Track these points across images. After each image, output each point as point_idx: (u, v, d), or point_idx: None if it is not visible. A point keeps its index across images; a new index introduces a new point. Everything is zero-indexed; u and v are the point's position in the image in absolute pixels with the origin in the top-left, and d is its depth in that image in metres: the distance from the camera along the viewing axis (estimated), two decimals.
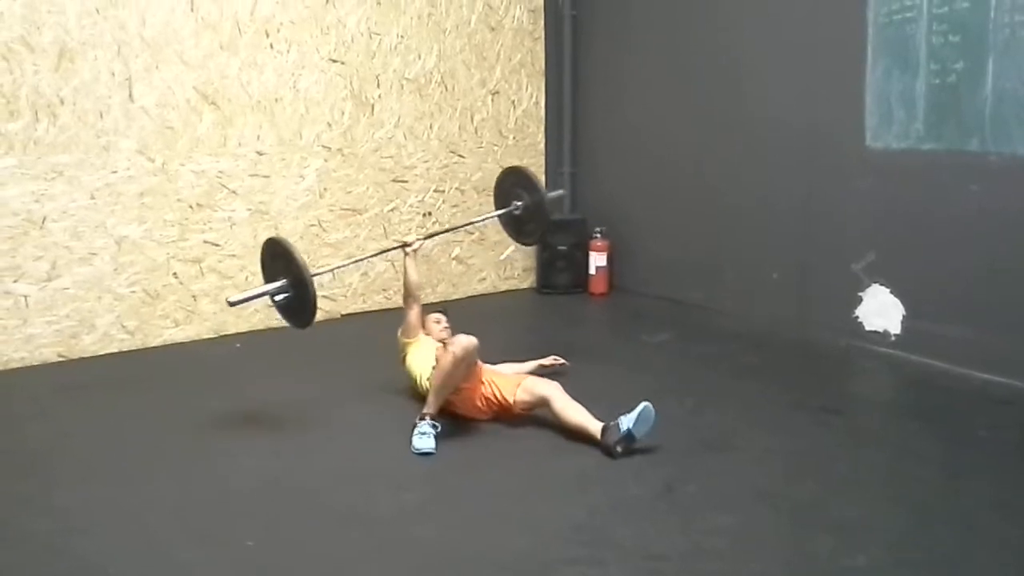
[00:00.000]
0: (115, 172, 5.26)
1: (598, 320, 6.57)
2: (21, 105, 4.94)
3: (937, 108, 4.77)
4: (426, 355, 4.35)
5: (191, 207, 5.53)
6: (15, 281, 5.03)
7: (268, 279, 4.20)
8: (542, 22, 6.96)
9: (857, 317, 5.25)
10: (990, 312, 4.63)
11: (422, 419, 3.92)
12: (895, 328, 5.07)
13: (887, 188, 5.07)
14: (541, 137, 7.11)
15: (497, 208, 5.07)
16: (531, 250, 7.05)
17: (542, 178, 7.14)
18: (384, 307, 6.36)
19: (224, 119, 5.59)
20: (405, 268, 4.55)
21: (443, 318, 4.72)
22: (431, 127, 6.45)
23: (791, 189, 5.62)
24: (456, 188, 6.64)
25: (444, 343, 4.18)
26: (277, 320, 5.85)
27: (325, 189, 5.99)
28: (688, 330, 5.79)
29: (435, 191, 6.54)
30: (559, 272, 6.91)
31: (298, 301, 4.09)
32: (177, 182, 5.47)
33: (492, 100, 6.74)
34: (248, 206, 5.74)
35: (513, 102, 6.87)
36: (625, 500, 3.39)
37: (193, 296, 5.61)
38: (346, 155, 6.09)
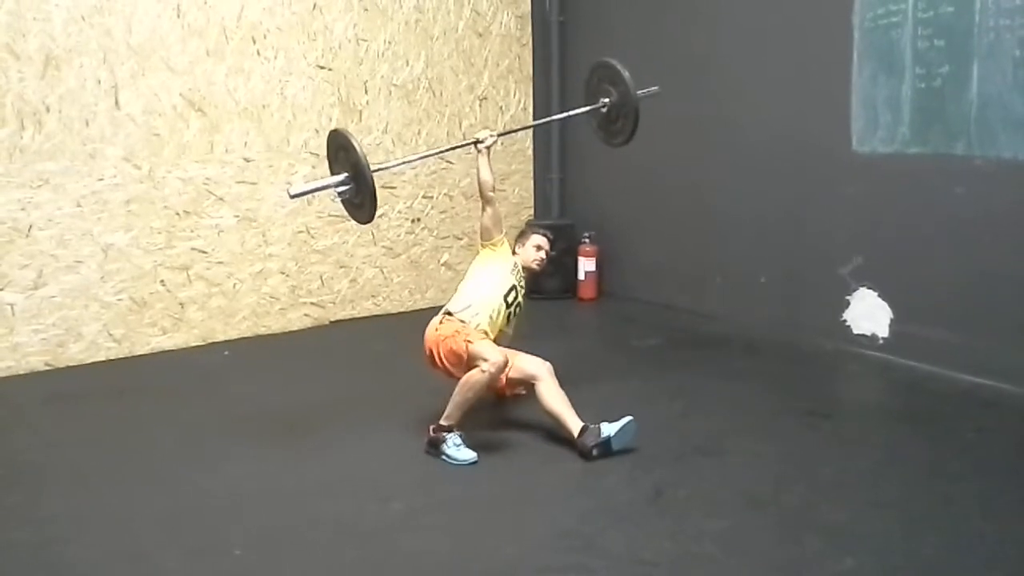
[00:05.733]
0: (101, 180, 5.24)
1: (587, 325, 6.57)
2: (6, 113, 4.92)
3: (923, 112, 4.79)
4: (492, 276, 4.23)
5: (178, 214, 5.51)
6: (1, 290, 5.00)
7: (334, 173, 4.08)
8: (529, 28, 6.97)
9: (845, 321, 5.27)
10: (977, 315, 4.65)
11: (447, 431, 3.82)
12: (883, 331, 5.09)
13: (874, 192, 5.09)
14: (529, 143, 7.12)
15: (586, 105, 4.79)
16: None
17: (531, 184, 7.18)
18: (373, 313, 6.35)
19: (211, 126, 5.58)
20: (477, 166, 4.36)
21: (545, 244, 4.46)
22: (419, 133, 6.44)
23: (778, 193, 5.64)
24: (445, 194, 6.64)
25: (476, 360, 3.86)
26: (265, 328, 5.89)
27: (313, 196, 5.96)
28: (677, 335, 5.80)
29: (424, 197, 6.53)
30: (548, 277, 6.85)
31: (358, 195, 3.96)
32: (164, 189, 5.45)
33: (480, 106, 6.74)
34: (235, 213, 5.72)
35: (501, 108, 6.87)
36: (614, 506, 3.39)
37: (180, 304, 5.58)
38: None
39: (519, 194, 7.12)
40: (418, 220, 6.54)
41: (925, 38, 4.72)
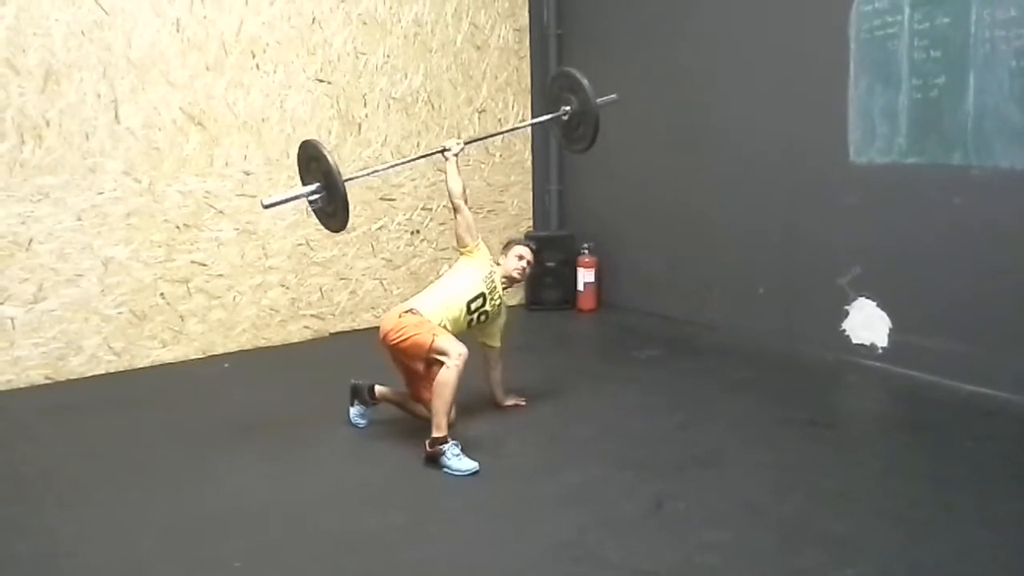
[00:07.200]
0: (101, 193, 5.25)
1: (587, 336, 6.57)
2: (7, 127, 4.94)
3: (919, 122, 4.80)
4: (461, 281, 4.28)
5: (178, 227, 5.53)
6: (1, 304, 5.01)
7: (305, 183, 4.13)
8: (527, 41, 7.00)
9: (844, 331, 5.27)
10: (976, 324, 4.65)
11: (443, 443, 3.83)
12: (882, 341, 5.10)
13: (871, 202, 5.10)
14: (528, 155, 7.14)
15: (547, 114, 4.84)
16: None
17: (530, 196, 7.20)
18: (372, 325, 6.33)
19: (211, 139, 5.60)
20: (446, 173, 4.43)
21: (527, 254, 4.49)
22: (418, 145, 6.46)
23: (776, 204, 5.65)
24: (444, 206, 6.63)
25: (438, 356, 3.91)
26: (265, 340, 5.89)
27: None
28: (677, 345, 5.80)
29: (423, 209, 6.55)
30: (547, 289, 6.92)
31: (331, 203, 4.02)
32: (164, 203, 5.46)
33: (479, 118, 6.77)
34: (235, 226, 5.74)
35: (499, 120, 6.89)
36: (615, 517, 3.38)
37: (180, 316, 5.59)
38: None
39: (518, 206, 7.14)
40: (417, 232, 6.55)
41: (921, 49, 4.74)
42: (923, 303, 4.89)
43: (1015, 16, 4.34)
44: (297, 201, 4.26)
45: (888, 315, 5.07)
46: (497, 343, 4.51)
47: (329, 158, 3.93)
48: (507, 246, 4.60)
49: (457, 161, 4.44)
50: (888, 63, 4.90)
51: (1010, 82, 4.39)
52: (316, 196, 4.04)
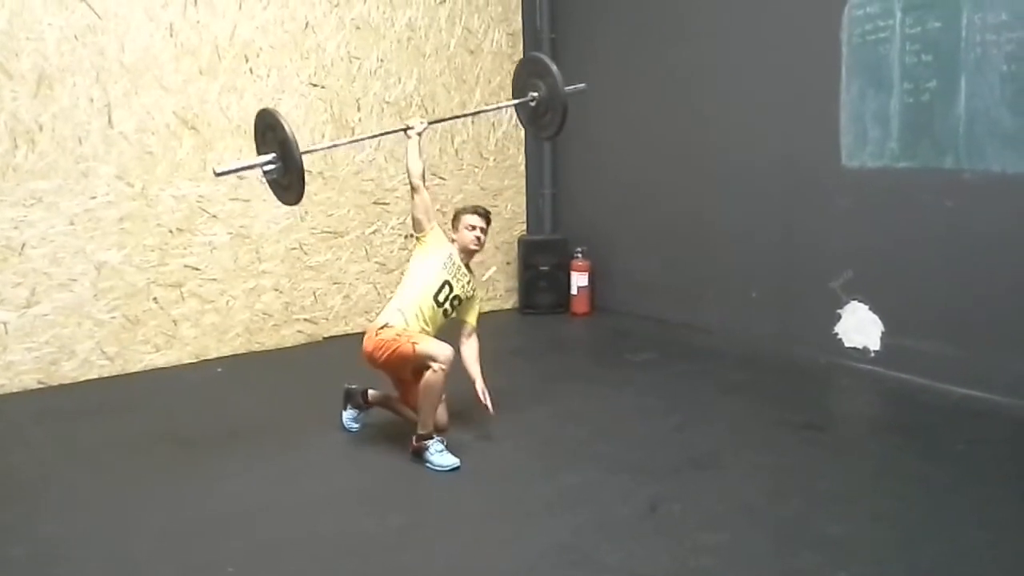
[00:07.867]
0: (94, 198, 5.24)
1: (581, 340, 6.58)
2: None
3: (911, 126, 4.83)
4: (420, 278, 4.17)
5: (171, 232, 5.52)
6: None
7: (261, 154, 3.99)
8: (521, 45, 7.01)
9: (837, 334, 5.29)
10: (967, 327, 4.67)
11: (428, 439, 3.89)
12: (874, 345, 5.11)
13: (864, 206, 5.12)
14: (521, 159, 7.15)
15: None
16: (513, 270, 7.07)
17: (523, 199, 7.20)
18: (366, 329, 6.33)
19: (204, 143, 5.59)
20: (407, 152, 4.27)
21: (479, 222, 4.32)
22: None
23: (769, 208, 5.67)
24: (437, 209, 6.60)
25: (425, 361, 3.86)
26: (259, 344, 5.88)
27: (306, 212, 5.98)
28: (671, 349, 5.81)
29: None
30: (541, 292, 6.93)
31: (286, 175, 3.89)
32: (157, 207, 5.45)
33: (472, 122, 6.77)
34: (229, 230, 5.73)
35: (493, 124, 6.90)
36: (611, 520, 3.39)
37: (174, 321, 5.58)
38: (327, 178, 6.09)
39: (511, 209, 7.15)
40: (411, 236, 6.54)
41: (913, 53, 4.77)
42: (915, 306, 4.91)
43: (1006, 20, 4.37)
44: (296, 204, 4.18)
45: (880, 318, 5.09)
46: (472, 319, 4.37)
47: (286, 126, 3.79)
48: (456, 218, 4.41)
49: (420, 141, 4.31)
50: (880, 67, 4.92)
51: (1001, 86, 4.41)
52: (271, 167, 3.90)
